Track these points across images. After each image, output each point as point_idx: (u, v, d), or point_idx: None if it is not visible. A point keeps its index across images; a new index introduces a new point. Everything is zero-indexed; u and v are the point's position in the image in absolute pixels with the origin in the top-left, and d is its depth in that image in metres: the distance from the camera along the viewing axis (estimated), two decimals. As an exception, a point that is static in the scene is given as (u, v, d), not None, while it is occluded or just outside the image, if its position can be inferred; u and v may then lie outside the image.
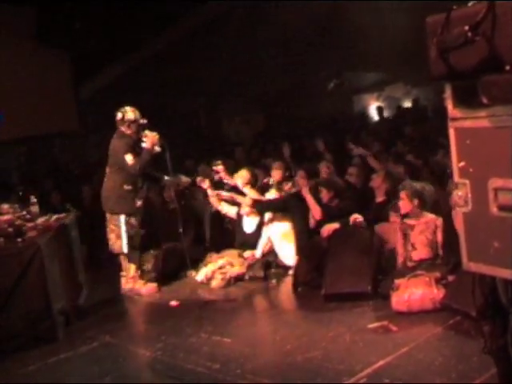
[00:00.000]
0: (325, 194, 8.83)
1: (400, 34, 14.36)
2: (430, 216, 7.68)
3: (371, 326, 6.62)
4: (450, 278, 6.93)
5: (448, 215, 7.34)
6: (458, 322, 6.29)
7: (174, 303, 8.23)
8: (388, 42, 15.37)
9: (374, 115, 21.09)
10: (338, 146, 13.17)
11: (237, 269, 8.89)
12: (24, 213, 8.31)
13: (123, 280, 8.92)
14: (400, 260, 7.68)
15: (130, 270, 8.84)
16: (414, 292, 6.79)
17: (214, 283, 8.75)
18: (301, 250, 8.71)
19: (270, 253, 9.23)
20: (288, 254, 8.95)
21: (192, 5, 14.80)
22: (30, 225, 7.93)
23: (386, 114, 20.60)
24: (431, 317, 6.61)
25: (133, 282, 8.81)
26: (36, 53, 15.26)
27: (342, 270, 7.59)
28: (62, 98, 15.93)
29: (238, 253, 9.23)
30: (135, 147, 8.72)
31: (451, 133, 3.30)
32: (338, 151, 12.51)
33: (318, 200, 8.83)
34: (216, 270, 8.88)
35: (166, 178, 9.41)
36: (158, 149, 8.80)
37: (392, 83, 21.41)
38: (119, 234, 8.69)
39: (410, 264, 7.53)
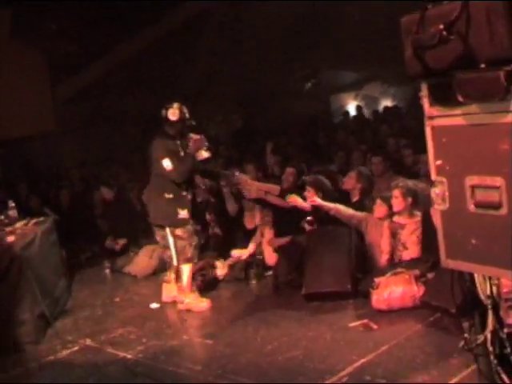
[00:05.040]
0: (312, 194, 8.75)
1: (377, 32, 14.43)
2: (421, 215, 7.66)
3: (352, 324, 6.64)
4: (430, 275, 6.96)
5: (426, 213, 7.37)
6: (438, 319, 6.33)
7: (154, 305, 8.21)
8: (365, 41, 15.45)
9: (352, 114, 21.12)
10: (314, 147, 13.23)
11: (217, 270, 8.89)
12: (2, 217, 8.26)
13: (166, 287, 8.26)
14: (385, 258, 7.69)
15: (182, 281, 7.93)
16: (394, 290, 6.82)
17: (194, 285, 8.73)
18: (281, 249, 8.71)
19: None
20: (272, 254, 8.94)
21: (170, 4, 14.77)
22: (8, 229, 7.88)
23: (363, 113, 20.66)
24: (411, 314, 6.64)
25: (183, 294, 7.93)
26: (12, 53, 15.12)
27: (322, 269, 7.60)
28: (38, 99, 15.81)
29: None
30: (177, 151, 7.82)
31: (428, 131, 3.32)
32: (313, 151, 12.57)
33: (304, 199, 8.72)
34: (196, 271, 8.86)
35: (225, 172, 8.88)
36: (205, 154, 7.85)
37: (369, 82, 21.46)
38: (167, 245, 7.94)
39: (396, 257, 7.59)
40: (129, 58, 16.05)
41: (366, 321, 6.61)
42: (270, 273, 8.65)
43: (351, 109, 21.40)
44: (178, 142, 7.84)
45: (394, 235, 7.70)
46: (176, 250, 7.82)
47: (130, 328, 7.49)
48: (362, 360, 5.67)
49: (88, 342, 7.18)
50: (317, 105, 20.38)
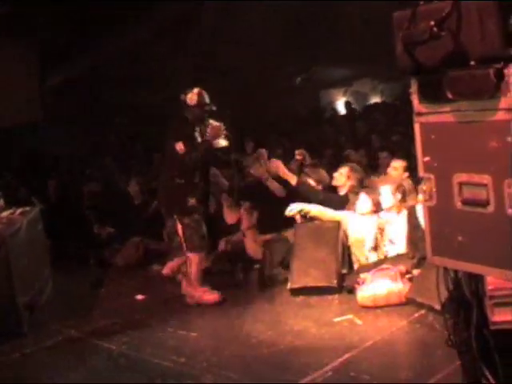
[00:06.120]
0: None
1: (367, 29, 14.47)
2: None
3: (337, 319, 6.67)
4: (415, 271, 6.99)
5: (412, 209, 7.40)
6: (423, 316, 6.37)
7: (139, 297, 8.20)
8: (355, 37, 15.49)
9: (342, 110, 21.15)
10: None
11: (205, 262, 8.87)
12: (-12, 207, 8.23)
13: (184, 282, 8.00)
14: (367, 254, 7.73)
15: (190, 273, 7.79)
16: (380, 286, 6.84)
17: (180, 277, 8.72)
18: (267, 243, 8.71)
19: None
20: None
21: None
22: (-6, 218, 7.85)
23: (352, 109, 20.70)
24: (396, 310, 6.67)
25: (192, 286, 7.79)
26: (0, 43, 15.07)
27: (308, 264, 7.61)
28: (27, 89, 15.76)
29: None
30: (194, 136, 7.61)
31: (416, 127, 3.32)
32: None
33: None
34: (182, 263, 8.84)
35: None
36: (223, 142, 7.66)
37: (359, 78, 21.49)
38: (178, 233, 7.83)
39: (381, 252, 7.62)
40: (120, 50, 16.03)
41: (350, 316, 6.64)
42: (257, 266, 8.65)
43: (340, 105, 21.44)
44: (197, 128, 7.68)
45: (380, 231, 7.72)
46: (184, 238, 7.67)
47: (114, 319, 7.47)
48: (347, 355, 5.70)
49: (72, 332, 7.15)
50: (307, 100, 20.39)
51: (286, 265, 8.04)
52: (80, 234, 10.73)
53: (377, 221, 7.78)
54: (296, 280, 7.59)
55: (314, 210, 8.13)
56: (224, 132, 7.65)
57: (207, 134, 7.60)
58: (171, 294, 8.26)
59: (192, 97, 7.58)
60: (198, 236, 7.65)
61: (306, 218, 8.35)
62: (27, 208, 8.75)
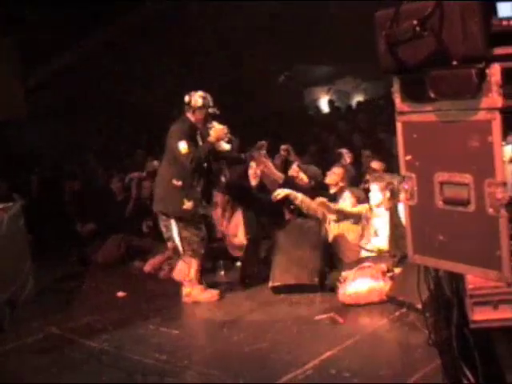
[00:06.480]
0: (303, 181, 8.77)
1: (350, 27, 14.49)
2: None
3: (318, 317, 6.68)
4: (397, 270, 7.02)
5: (395, 208, 7.43)
6: (404, 314, 6.39)
7: (120, 294, 8.19)
8: (338, 35, 15.52)
9: (325, 108, 21.20)
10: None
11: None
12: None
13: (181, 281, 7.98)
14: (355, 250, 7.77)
15: (188, 272, 7.73)
16: (361, 284, 6.86)
17: (162, 274, 8.73)
18: (249, 241, 8.71)
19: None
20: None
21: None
22: (-25, 214, 7.80)
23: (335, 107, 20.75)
24: (377, 309, 6.70)
25: (190, 285, 7.74)
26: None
27: (290, 262, 7.62)
28: (9, 86, 15.69)
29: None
30: (196, 137, 7.64)
31: (398, 126, 3.33)
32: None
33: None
34: (164, 260, 8.85)
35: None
36: (225, 145, 7.74)
37: (342, 77, 21.54)
38: (171, 235, 7.71)
39: (366, 247, 7.63)
40: (101, 48, 15.99)
41: (332, 314, 6.65)
42: (239, 264, 8.66)
43: (323, 103, 21.48)
44: (198, 131, 7.69)
45: (367, 219, 7.78)
46: (181, 242, 7.61)
47: (96, 316, 7.46)
48: (328, 353, 5.71)
49: (53, 329, 7.13)
50: (290, 99, 20.42)
51: (268, 262, 8.04)
52: (61, 230, 10.70)
53: (365, 214, 7.83)
54: (277, 278, 7.59)
55: (301, 196, 8.14)
56: (227, 135, 7.68)
57: (210, 135, 7.57)
58: (153, 291, 8.28)
59: (196, 98, 7.57)
60: (197, 239, 7.63)
61: (292, 209, 8.38)
62: (9, 204, 8.71)
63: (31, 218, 9.24)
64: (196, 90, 7.70)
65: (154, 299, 7.94)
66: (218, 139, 7.60)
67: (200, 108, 7.57)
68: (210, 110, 7.62)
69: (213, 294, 7.72)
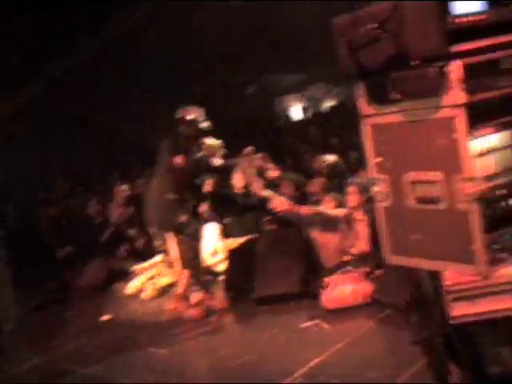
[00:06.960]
0: (289, 190, 8.76)
1: (319, 33, 14.53)
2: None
3: (304, 325, 6.67)
4: (378, 272, 7.03)
5: (373, 210, 7.44)
6: (389, 316, 6.38)
7: (105, 317, 8.15)
8: (306, 42, 15.57)
9: (295, 116, 21.25)
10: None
11: (167, 278, 8.81)
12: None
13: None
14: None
15: (179, 287, 7.82)
16: (344, 288, 6.87)
17: (144, 295, 8.69)
18: (231, 253, 8.68)
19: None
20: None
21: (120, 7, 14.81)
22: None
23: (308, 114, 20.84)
24: (362, 312, 6.70)
25: (176, 301, 7.81)
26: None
27: (271, 272, 7.62)
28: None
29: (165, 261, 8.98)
30: (189, 152, 7.60)
31: (365, 130, 3.35)
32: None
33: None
34: (146, 281, 8.81)
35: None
36: (218, 161, 7.76)
37: (315, 83, 21.58)
38: (166, 250, 7.87)
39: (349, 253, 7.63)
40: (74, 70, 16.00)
41: (317, 321, 6.65)
42: (222, 277, 8.63)
43: (294, 111, 21.52)
44: (191, 145, 7.66)
45: (348, 222, 7.78)
46: (180, 255, 7.63)
47: (82, 341, 7.42)
48: (316, 360, 5.70)
49: (40, 358, 7.08)
50: (261, 108, 20.43)
51: (251, 274, 8.02)
52: (40, 257, 10.65)
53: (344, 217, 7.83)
54: (260, 289, 7.58)
55: (280, 199, 8.11)
56: (220, 151, 7.73)
57: (203, 150, 7.60)
58: (136, 313, 8.24)
59: (187, 114, 7.61)
60: (191, 253, 7.66)
61: (272, 219, 8.37)
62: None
63: (10, 248, 9.18)
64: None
65: (138, 320, 7.90)
66: (212, 155, 7.65)
67: (191, 122, 7.59)
68: (202, 125, 7.64)
69: (199, 310, 7.66)
